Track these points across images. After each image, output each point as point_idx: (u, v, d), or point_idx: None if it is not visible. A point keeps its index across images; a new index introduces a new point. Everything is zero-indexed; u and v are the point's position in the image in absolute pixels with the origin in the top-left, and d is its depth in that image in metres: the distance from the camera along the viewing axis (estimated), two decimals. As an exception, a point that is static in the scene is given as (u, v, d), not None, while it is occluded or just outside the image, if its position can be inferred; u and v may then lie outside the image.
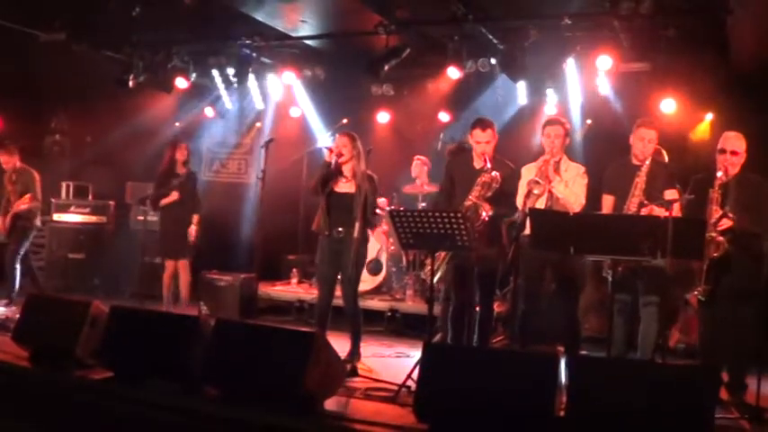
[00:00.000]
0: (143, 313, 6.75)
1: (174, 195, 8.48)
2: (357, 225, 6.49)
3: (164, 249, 8.66)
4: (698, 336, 6.34)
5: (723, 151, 5.73)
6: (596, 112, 9.37)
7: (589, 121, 9.44)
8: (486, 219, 6.14)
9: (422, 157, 9.62)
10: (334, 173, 6.71)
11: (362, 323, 6.98)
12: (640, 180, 5.92)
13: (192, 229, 8.52)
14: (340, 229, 6.62)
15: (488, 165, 6.16)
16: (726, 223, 5.52)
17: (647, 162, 5.97)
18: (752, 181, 5.75)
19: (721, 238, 5.52)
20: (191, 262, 8.73)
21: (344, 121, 8.92)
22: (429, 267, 6.23)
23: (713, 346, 5.84)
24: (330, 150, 6.70)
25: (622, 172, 6.14)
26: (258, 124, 11.33)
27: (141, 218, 9.35)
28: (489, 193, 6.18)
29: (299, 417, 4.96)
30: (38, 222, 9.28)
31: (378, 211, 7.78)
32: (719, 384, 5.12)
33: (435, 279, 6.14)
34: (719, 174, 5.65)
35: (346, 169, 6.73)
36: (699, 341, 6.29)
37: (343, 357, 6.27)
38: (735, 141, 5.76)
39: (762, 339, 5.61)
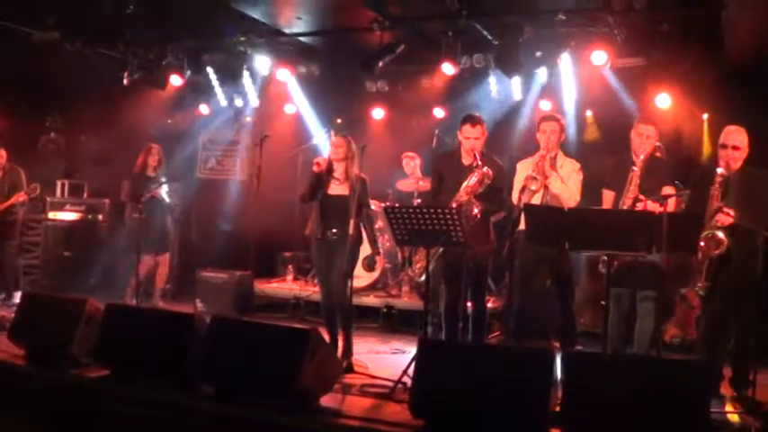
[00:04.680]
0: (138, 311, 6.76)
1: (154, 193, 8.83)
2: (351, 222, 6.46)
3: (146, 244, 8.72)
4: (698, 332, 6.29)
5: (724, 146, 5.63)
6: (591, 107, 9.39)
7: (589, 113, 9.47)
8: (478, 216, 6.13)
9: (410, 153, 9.62)
10: (322, 181, 6.70)
11: (356, 320, 6.94)
12: (635, 176, 5.88)
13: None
14: (334, 230, 6.57)
15: (479, 161, 6.15)
16: (725, 219, 5.43)
17: (641, 158, 5.94)
18: (755, 175, 5.64)
19: (722, 236, 5.42)
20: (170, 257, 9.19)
21: (338, 121, 8.93)
22: (417, 264, 6.23)
23: (714, 342, 5.75)
24: (318, 164, 6.68)
25: (621, 167, 6.09)
26: (248, 118, 11.30)
27: (136, 215, 9.34)
28: (481, 189, 6.15)
29: (294, 413, 4.96)
30: None
31: (372, 207, 7.74)
32: (716, 379, 5.13)
33: (423, 276, 6.05)
34: (720, 170, 5.53)
35: (340, 171, 6.71)
36: (699, 337, 6.19)
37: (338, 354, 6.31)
38: (736, 136, 5.65)
39: (756, 333, 5.60)
